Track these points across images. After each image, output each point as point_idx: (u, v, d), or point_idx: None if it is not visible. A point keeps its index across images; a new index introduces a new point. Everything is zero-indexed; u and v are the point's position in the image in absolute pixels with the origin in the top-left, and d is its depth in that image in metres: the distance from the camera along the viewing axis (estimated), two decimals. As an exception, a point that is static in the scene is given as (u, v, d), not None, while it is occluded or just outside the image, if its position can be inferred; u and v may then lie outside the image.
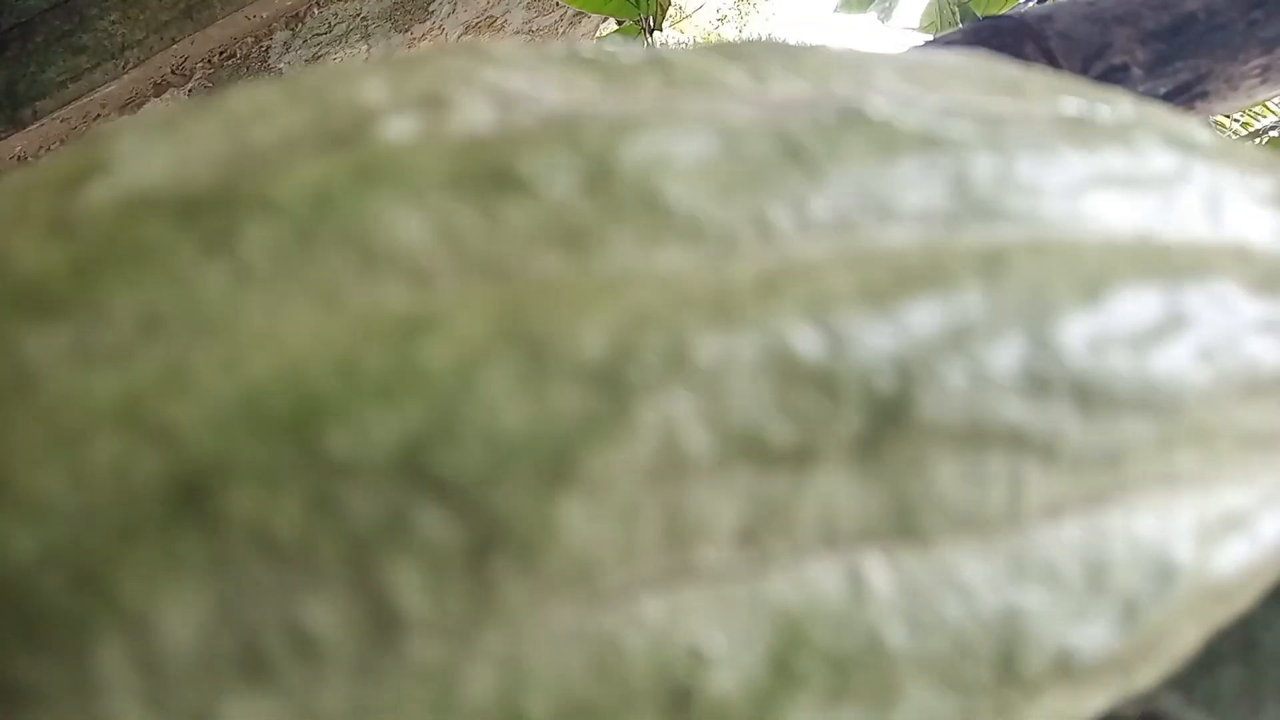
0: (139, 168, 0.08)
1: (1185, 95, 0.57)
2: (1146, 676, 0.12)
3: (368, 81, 0.09)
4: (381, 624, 0.07)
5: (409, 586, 0.07)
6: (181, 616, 0.07)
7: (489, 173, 0.08)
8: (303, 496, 0.07)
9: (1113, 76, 0.56)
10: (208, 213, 0.08)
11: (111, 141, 0.09)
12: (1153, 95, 0.57)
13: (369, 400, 0.07)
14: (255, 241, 0.08)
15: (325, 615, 0.07)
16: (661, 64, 0.11)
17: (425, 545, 0.07)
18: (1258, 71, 0.56)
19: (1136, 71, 0.55)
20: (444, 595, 0.07)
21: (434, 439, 0.07)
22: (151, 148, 0.08)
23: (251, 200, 0.08)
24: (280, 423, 0.07)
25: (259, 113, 0.09)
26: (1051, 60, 0.55)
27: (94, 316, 0.07)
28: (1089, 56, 0.55)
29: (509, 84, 0.09)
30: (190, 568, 0.07)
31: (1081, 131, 0.11)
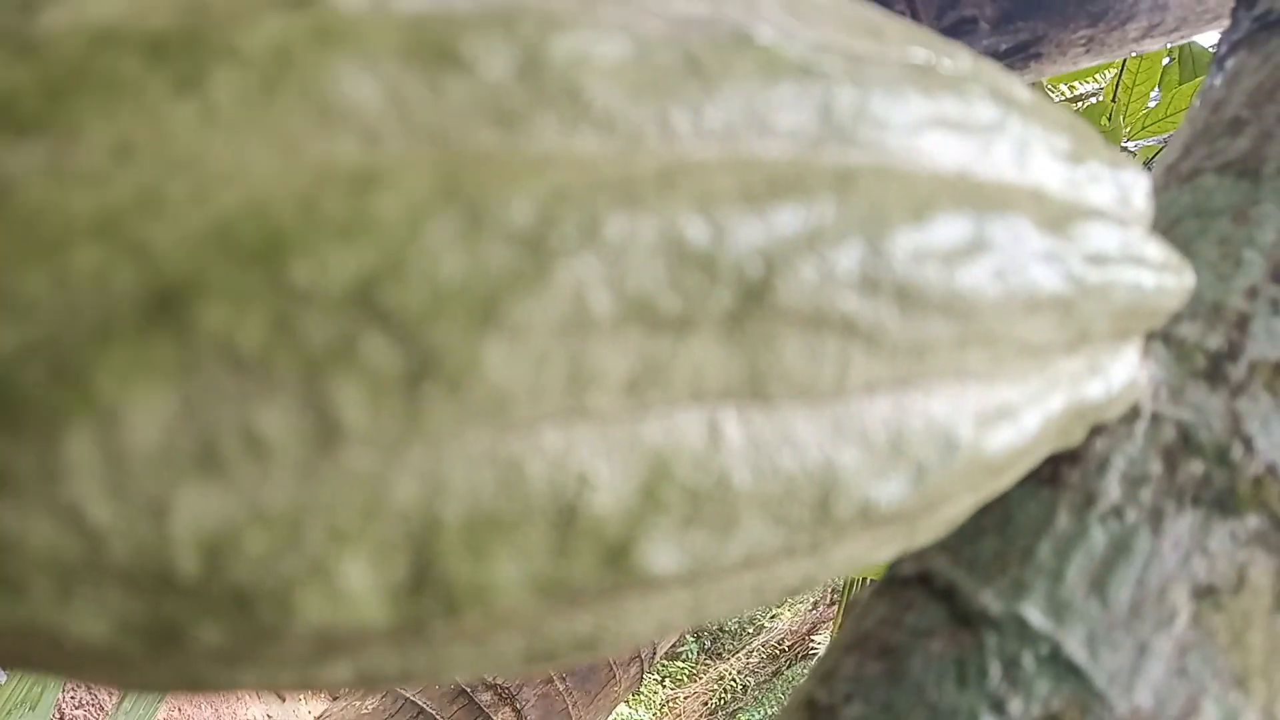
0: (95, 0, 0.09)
1: (1022, 54, 0.61)
2: (926, 534, 0.15)
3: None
4: (325, 433, 0.09)
5: (352, 402, 0.09)
6: (148, 413, 0.08)
7: (434, 49, 0.09)
8: (266, 316, 0.08)
9: (963, 27, 0.60)
10: (177, 54, 0.08)
11: (61, -27, 0.09)
12: (994, 50, 0.61)
13: (329, 238, 0.08)
14: (223, 85, 0.08)
15: (277, 421, 0.08)
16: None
17: (369, 368, 0.09)
18: (1083, 41, 0.61)
19: (983, 25, 0.59)
20: (381, 413, 0.09)
21: (384, 277, 0.08)
22: (106, -15, 0.09)
23: (219, 47, 0.08)
24: (250, 250, 0.08)
25: (207, -36, 0.10)
26: (910, 4, 0.58)
27: (68, 138, 0.08)
28: (944, 5, 0.59)
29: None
30: (160, 369, 0.08)
31: (926, 78, 0.13)
